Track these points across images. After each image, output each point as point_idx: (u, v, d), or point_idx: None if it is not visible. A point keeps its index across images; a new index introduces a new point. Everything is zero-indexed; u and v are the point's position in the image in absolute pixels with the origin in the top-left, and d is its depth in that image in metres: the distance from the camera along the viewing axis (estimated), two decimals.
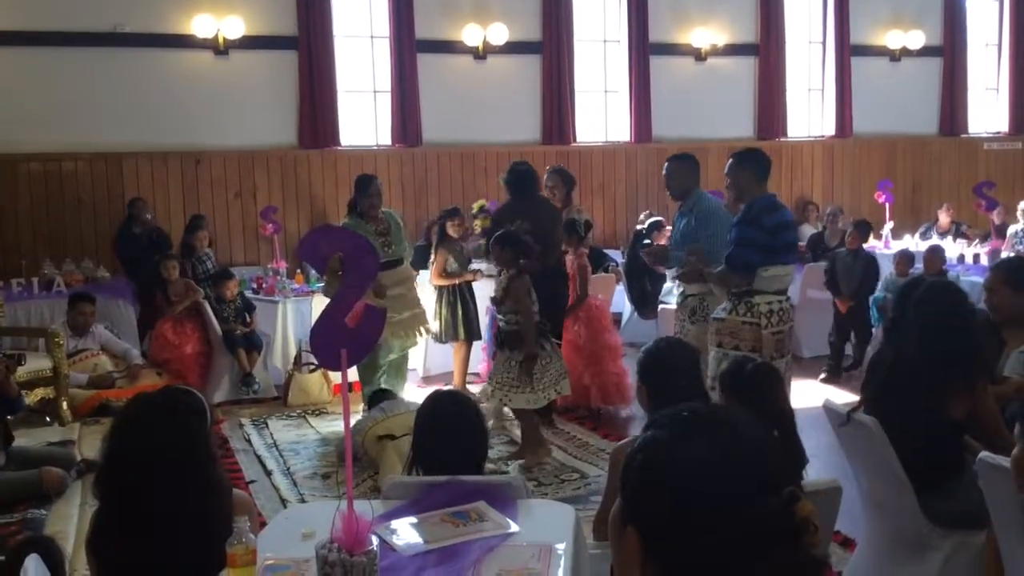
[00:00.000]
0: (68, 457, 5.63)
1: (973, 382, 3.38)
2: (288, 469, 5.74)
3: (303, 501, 5.19)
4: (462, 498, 2.68)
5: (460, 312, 7.27)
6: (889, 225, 10.32)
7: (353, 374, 7.05)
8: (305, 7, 10.17)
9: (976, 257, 8.61)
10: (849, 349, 7.82)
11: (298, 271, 8.99)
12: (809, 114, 12.81)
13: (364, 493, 5.21)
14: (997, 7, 13.48)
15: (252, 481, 5.55)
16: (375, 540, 2.10)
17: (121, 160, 9.76)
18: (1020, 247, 8.96)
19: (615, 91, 11.78)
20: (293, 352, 7.60)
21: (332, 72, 10.42)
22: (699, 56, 11.93)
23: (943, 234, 10.30)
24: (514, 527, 2.54)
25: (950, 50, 13.01)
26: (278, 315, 7.76)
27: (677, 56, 11.87)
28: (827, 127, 12.74)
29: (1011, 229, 9.48)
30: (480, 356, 7.54)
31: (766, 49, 12.13)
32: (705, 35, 11.86)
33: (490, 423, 5.93)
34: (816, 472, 4.96)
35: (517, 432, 6.04)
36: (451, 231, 7.51)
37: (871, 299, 7.78)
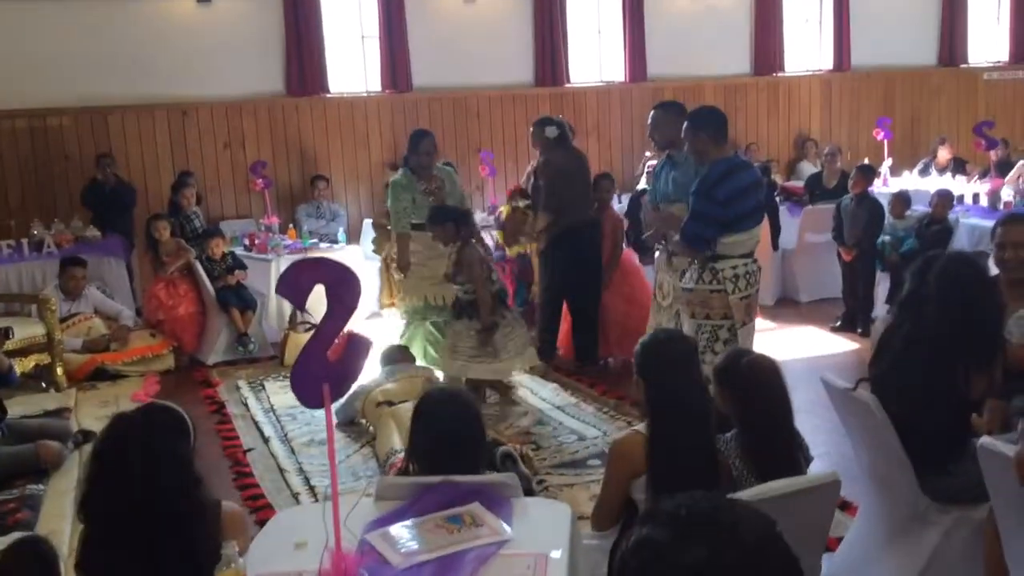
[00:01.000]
0: (65, 429, 5.60)
1: (993, 359, 3.31)
2: (286, 435, 5.73)
3: (301, 470, 5.18)
4: (457, 499, 2.65)
5: None
6: (888, 163, 10.20)
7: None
8: None
9: (976, 197, 8.51)
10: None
11: (291, 226, 8.91)
12: (807, 48, 12.56)
13: (360, 460, 5.23)
14: None
15: (250, 449, 5.55)
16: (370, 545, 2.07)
17: (107, 114, 9.58)
18: None
19: (608, 30, 11.53)
20: (288, 311, 7.56)
21: (318, 17, 10.18)
22: None
23: (942, 170, 10.17)
24: (509, 532, 2.51)
25: None
26: (271, 273, 7.69)
27: None
28: (824, 61, 12.52)
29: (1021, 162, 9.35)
30: None
31: None
32: None
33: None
34: (822, 432, 5.00)
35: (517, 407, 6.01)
36: None
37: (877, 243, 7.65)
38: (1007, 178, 9.04)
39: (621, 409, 5.84)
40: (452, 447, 2.76)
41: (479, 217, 7.64)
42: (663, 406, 2.89)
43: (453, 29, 10.71)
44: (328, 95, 10.35)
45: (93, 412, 6.31)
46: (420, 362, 6.24)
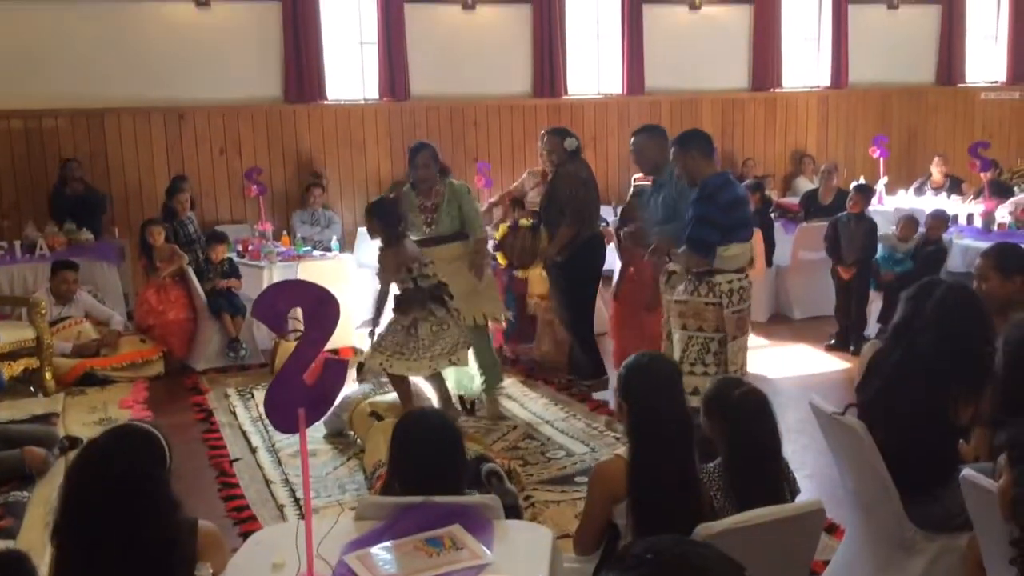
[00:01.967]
0: (51, 435, 5.57)
1: (983, 389, 3.32)
2: (273, 446, 5.70)
3: (287, 481, 5.15)
4: (437, 521, 2.63)
5: None
6: (883, 180, 10.21)
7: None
8: None
9: (970, 217, 8.51)
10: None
11: (284, 233, 8.89)
12: (805, 64, 12.58)
13: (346, 473, 5.21)
14: None
15: (236, 459, 5.52)
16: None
17: (103, 116, 9.57)
18: None
19: (607, 42, 11.54)
20: None
21: (317, 23, 10.20)
22: (693, 5, 11.70)
23: (936, 190, 10.18)
24: (489, 556, 2.49)
25: None
26: (264, 281, 7.66)
27: (671, 5, 11.64)
28: (822, 77, 12.54)
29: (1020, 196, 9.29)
30: None
31: None
32: None
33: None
34: (811, 452, 5.00)
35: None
36: None
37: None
38: (1009, 203, 8.97)
39: (611, 425, 5.81)
40: (430, 471, 2.74)
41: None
42: (646, 430, 2.88)
43: (452, 38, 10.72)
44: (326, 102, 10.34)
45: (81, 418, 6.28)
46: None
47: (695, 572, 1.21)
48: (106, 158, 9.57)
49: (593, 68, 11.60)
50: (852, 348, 7.38)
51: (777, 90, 12.20)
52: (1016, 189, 9.98)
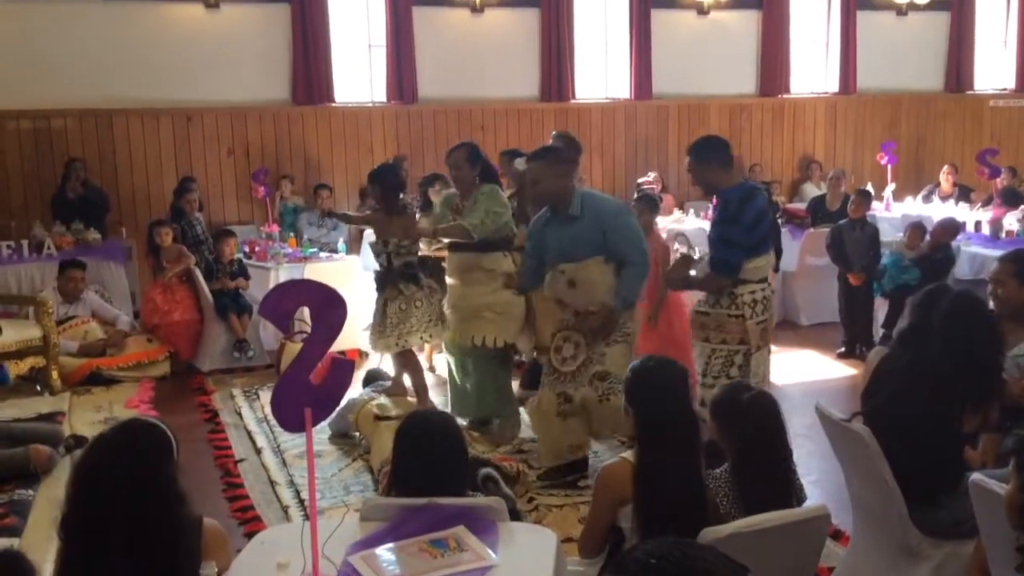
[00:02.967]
0: (56, 434, 5.58)
1: (990, 397, 3.32)
2: (278, 447, 5.70)
3: (292, 483, 5.15)
4: (442, 522, 2.62)
5: None
6: (891, 187, 10.19)
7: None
8: None
9: (978, 225, 8.48)
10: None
11: (290, 234, 8.90)
12: (813, 70, 12.57)
13: (351, 474, 5.21)
14: None
15: (241, 460, 5.52)
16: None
17: (111, 117, 9.60)
18: None
19: (615, 46, 11.55)
20: None
21: (326, 26, 10.22)
22: (701, 10, 11.69)
23: (945, 198, 10.15)
24: (493, 558, 2.49)
25: (958, 4, 12.75)
26: (270, 282, 7.66)
27: (679, 10, 11.63)
28: (831, 83, 12.52)
29: None
30: None
31: (770, 2, 11.88)
32: None
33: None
34: (817, 458, 4.99)
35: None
36: (433, 198, 6.99)
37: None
38: (1019, 211, 8.92)
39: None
40: (433, 473, 2.74)
41: None
42: (651, 434, 2.87)
43: (460, 41, 10.73)
44: (333, 104, 10.36)
45: (87, 417, 6.30)
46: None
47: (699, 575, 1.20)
48: (114, 159, 9.59)
49: (601, 72, 11.60)
50: (860, 350, 7.35)
51: (785, 96, 12.19)
52: None
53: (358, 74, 10.68)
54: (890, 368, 3.54)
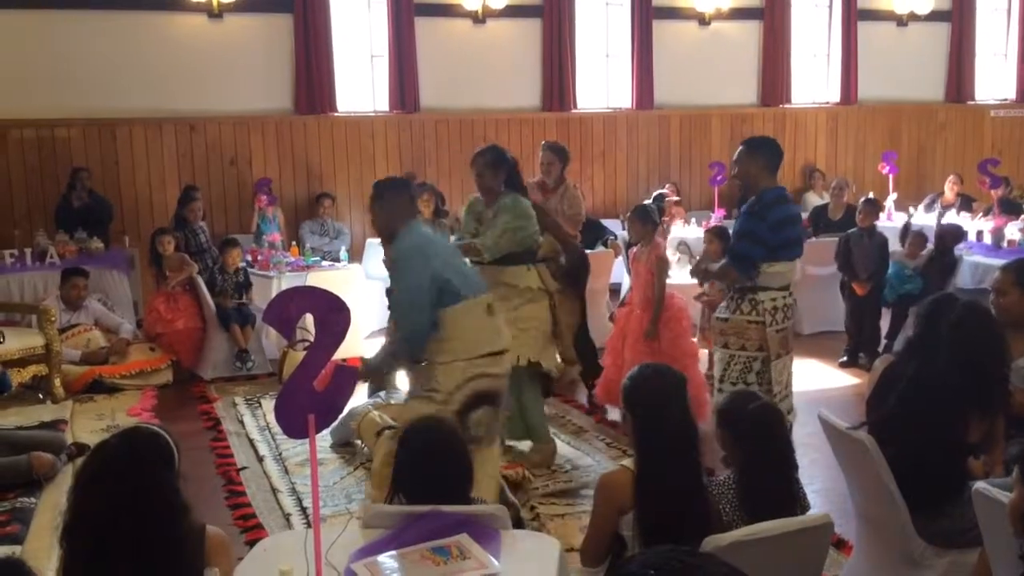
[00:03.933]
0: (59, 442, 5.58)
1: (996, 407, 3.32)
2: (280, 455, 5.71)
3: (294, 490, 5.16)
4: (444, 530, 2.63)
5: None
6: (892, 197, 10.20)
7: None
8: None
9: (979, 234, 8.49)
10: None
11: (293, 243, 8.92)
12: (814, 80, 12.59)
13: (353, 483, 5.21)
14: None
15: (243, 468, 5.53)
16: None
17: (115, 127, 9.62)
18: None
19: (617, 56, 11.57)
20: None
21: (328, 36, 10.24)
22: (703, 20, 11.71)
23: (947, 207, 10.16)
24: (496, 566, 2.49)
25: (958, 15, 12.77)
26: (272, 291, 7.67)
27: (680, 20, 11.65)
28: (832, 94, 12.54)
29: None
30: None
31: (771, 13, 11.90)
32: None
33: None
34: (820, 467, 4.99)
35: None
36: (421, 208, 6.88)
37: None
38: (1021, 220, 8.93)
39: (618, 439, 5.80)
40: (436, 481, 2.74)
41: None
42: (651, 442, 2.87)
43: (462, 51, 10.76)
44: (336, 114, 10.39)
45: (89, 425, 6.30)
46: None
47: None
48: (117, 168, 9.62)
49: (602, 82, 11.62)
50: (862, 357, 7.35)
51: (786, 106, 12.20)
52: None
53: (360, 84, 10.70)
54: (896, 377, 3.54)
